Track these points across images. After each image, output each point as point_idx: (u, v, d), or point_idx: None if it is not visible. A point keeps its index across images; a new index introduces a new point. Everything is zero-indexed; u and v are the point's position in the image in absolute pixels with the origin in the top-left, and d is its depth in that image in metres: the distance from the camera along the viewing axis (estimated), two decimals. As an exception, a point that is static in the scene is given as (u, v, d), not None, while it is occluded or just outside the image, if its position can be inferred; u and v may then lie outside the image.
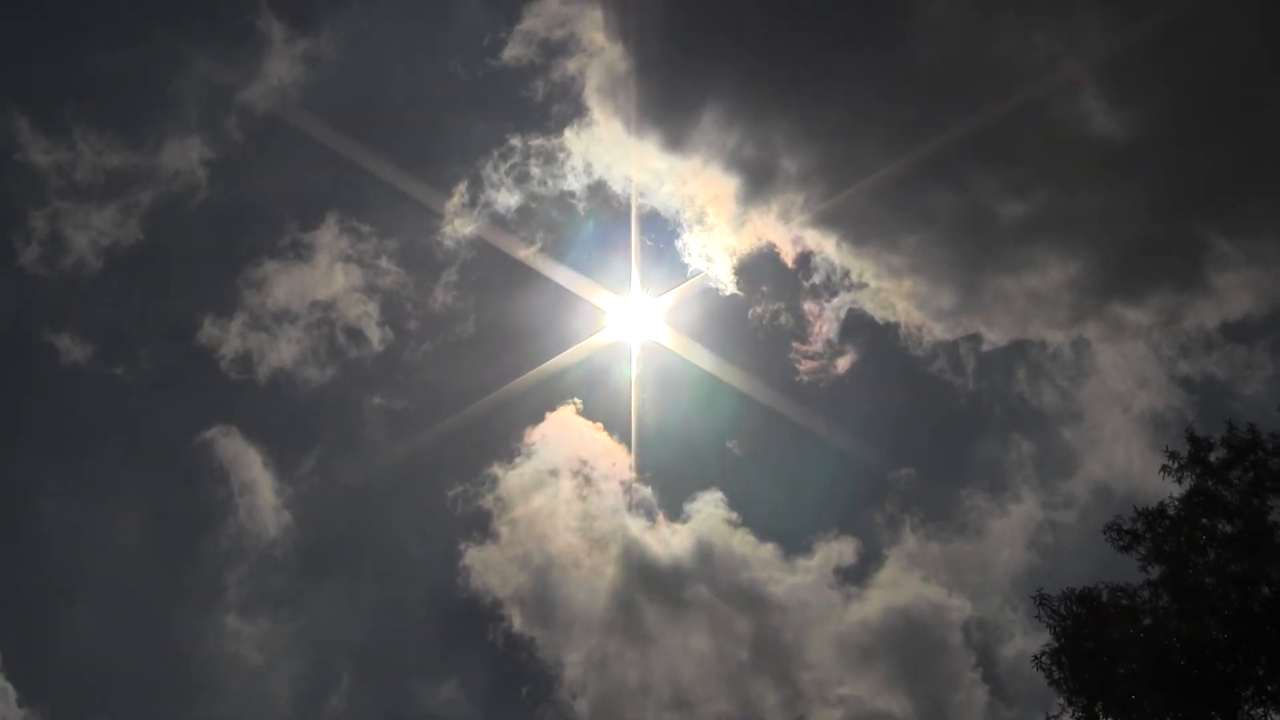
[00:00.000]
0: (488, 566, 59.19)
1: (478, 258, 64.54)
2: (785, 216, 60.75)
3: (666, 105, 61.92)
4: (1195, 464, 32.58)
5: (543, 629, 58.30)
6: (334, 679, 59.92)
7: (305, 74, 65.25)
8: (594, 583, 58.61)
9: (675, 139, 61.50)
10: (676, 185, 62.12)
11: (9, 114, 62.49)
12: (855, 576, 58.01)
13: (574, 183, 63.11)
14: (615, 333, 63.77)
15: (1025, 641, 51.92)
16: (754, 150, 61.05)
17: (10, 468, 62.58)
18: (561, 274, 63.30)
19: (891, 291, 60.76)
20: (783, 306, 62.82)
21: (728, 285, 61.91)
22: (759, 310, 62.81)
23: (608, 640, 57.65)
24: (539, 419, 61.45)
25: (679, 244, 62.37)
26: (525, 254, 63.63)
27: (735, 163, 60.97)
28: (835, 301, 62.18)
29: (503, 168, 63.50)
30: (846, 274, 61.29)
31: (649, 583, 58.37)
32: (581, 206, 63.47)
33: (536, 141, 63.60)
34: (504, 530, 59.87)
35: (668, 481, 60.69)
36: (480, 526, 60.04)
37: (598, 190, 63.11)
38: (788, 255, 61.90)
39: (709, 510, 58.73)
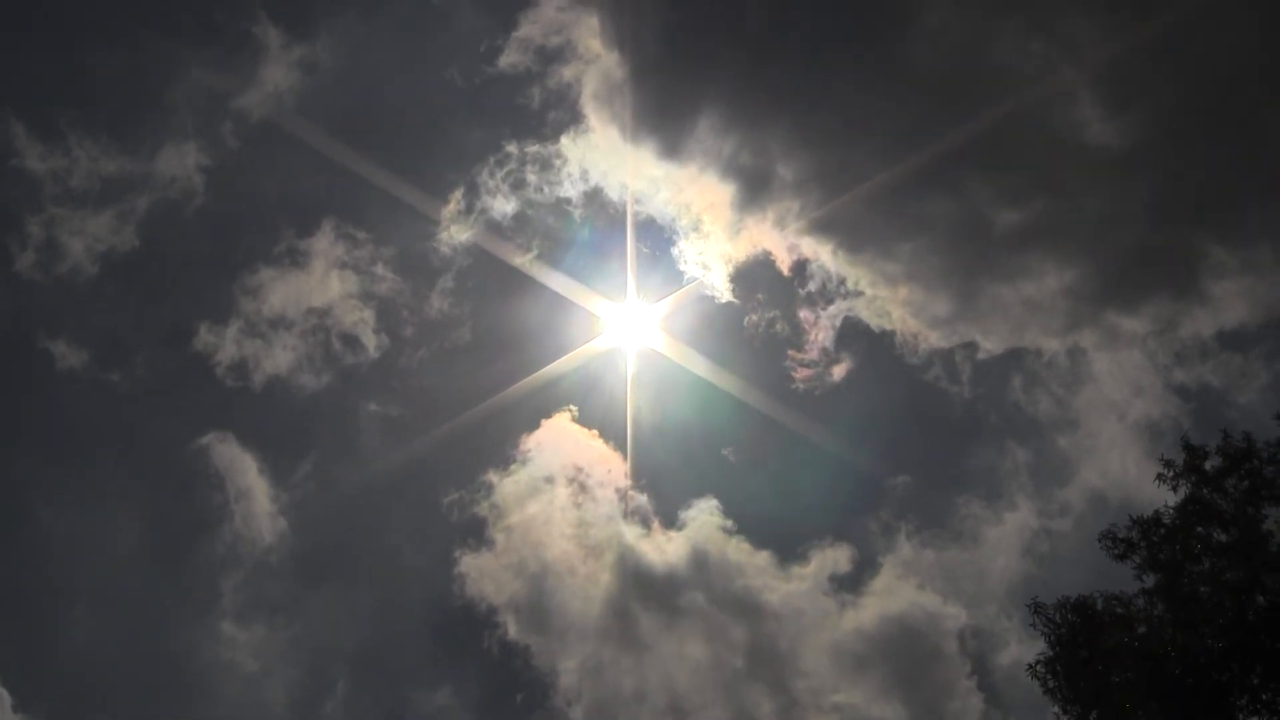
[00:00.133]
0: (483, 573, 59.24)
1: (474, 264, 64.66)
2: (781, 224, 60.87)
3: (663, 112, 62.06)
4: (1190, 472, 32.52)
5: (538, 636, 58.36)
6: (329, 685, 60.00)
7: (301, 80, 65.38)
8: (589, 590, 58.64)
9: (671, 146, 61.64)
10: (672, 192, 62.24)
11: (5, 120, 62.50)
12: (850, 584, 58.08)
13: (570, 190, 63.22)
14: (611, 340, 63.87)
15: (1020, 650, 51.88)
16: (750, 157, 61.17)
17: (6, 473, 62.75)
18: (557, 281, 63.40)
19: (887, 299, 60.85)
20: (778, 314, 62.95)
21: (723, 293, 62.03)
22: (754, 318, 62.93)
23: (603, 647, 57.70)
24: (534, 426, 61.54)
25: (675, 251, 62.49)
26: (521, 261, 63.71)
27: (731, 170, 61.11)
28: (831, 309, 62.30)
29: (499, 174, 63.61)
30: (842, 282, 61.41)
31: (644, 590, 58.40)
32: (577, 213, 63.57)
33: (533, 148, 63.75)
34: (499, 537, 59.91)
35: (663, 489, 60.84)
36: (475, 533, 60.11)
37: (594, 197, 63.21)
38: (783, 263, 62.03)
39: (704, 518, 58.81)
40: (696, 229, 61.98)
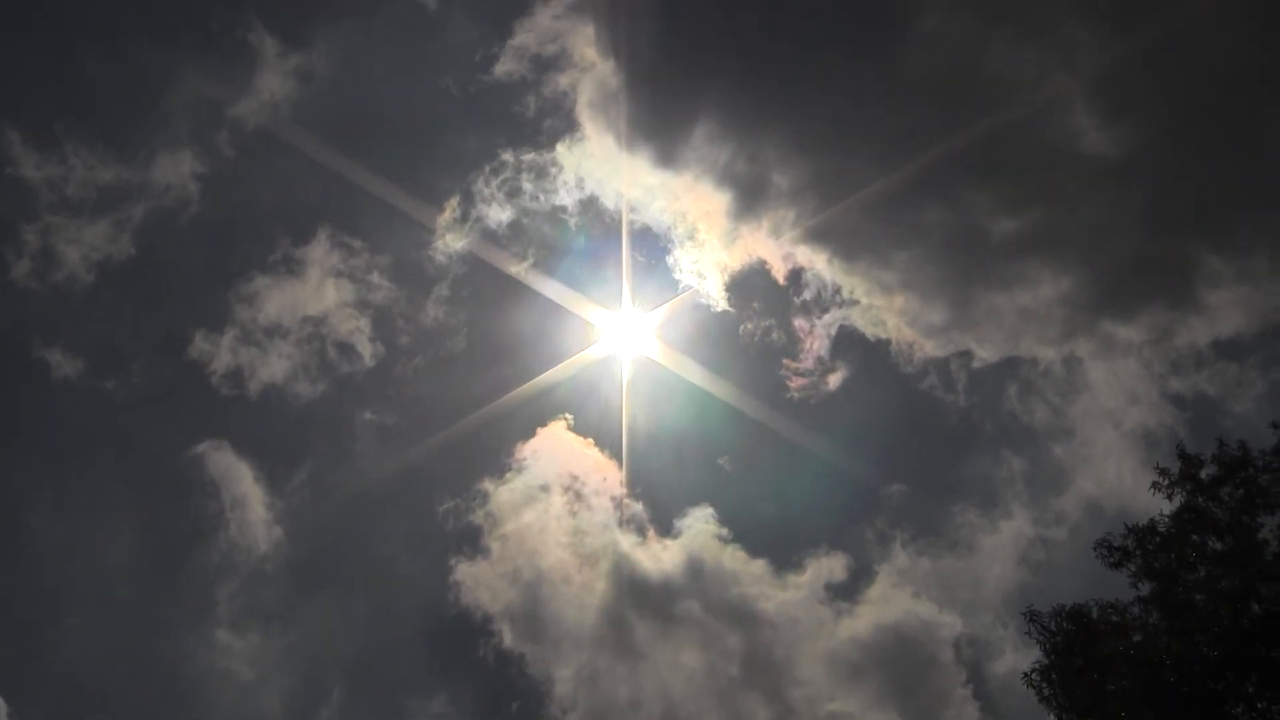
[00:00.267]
0: (478, 582, 59.17)
1: (469, 273, 64.67)
2: (776, 232, 60.90)
3: (658, 121, 62.11)
4: (1186, 481, 32.62)
5: (533, 644, 58.28)
6: (324, 694, 59.84)
7: (297, 89, 65.39)
8: (584, 598, 58.60)
9: (667, 154, 61.69)
10: (668, 201, 62.26)
11: (1, 128, 62.53)
12: (846, 593, 58.05)
13: (565, 198, 63.21)
14: (606, 348, 63.87)
15: (1016, 658, 51.84)
16: (745, 166, 61.22)
17: (2, 481, 62.64)
18: (553, 289, 63.37)
19: (883, 308, 60.86)
20: (774, 323, 62.98)
21: (719, 301, 62.03)
22: (750, 326, 62.93)
23: (598, 656, 57.61)
24: (530, 434, 61.49)
25: (670, 260, 62.53)
26: (517, 269, 63.72)
27: (727, 178, 61.15)
28: (826, 318, 62.29)
29: (494, 183, 63.59)
30: (838, 290, 61.43)
31: (640, 599, 58.37)
32: (573, 222, 63.54)
33: (528, 156, 63.74)
34: (495, 546, 59.84)
35: (658, 497, 60.72)
36: (471, 542, 60.01)
37: (589, 205, 63.21)
38: (779, 271, 62.06)
39: (700, 526, 58.77)
40: (692, 237, 62.10)
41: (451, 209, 63.73)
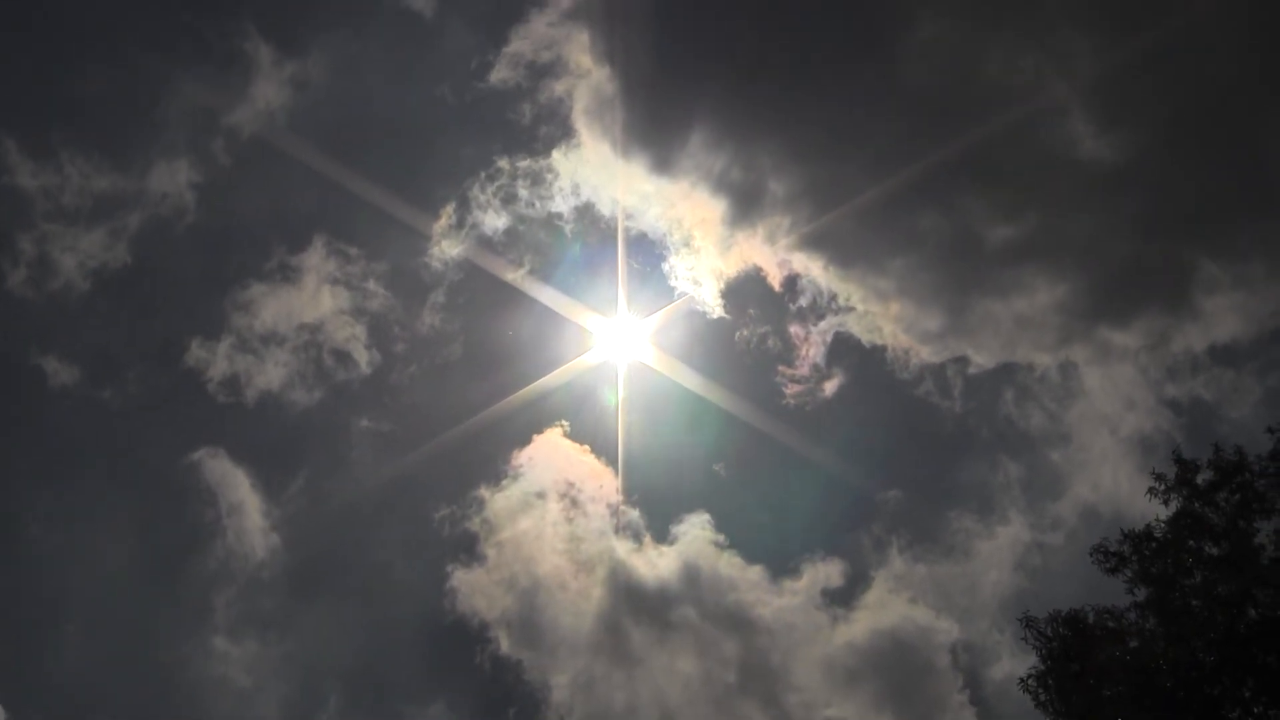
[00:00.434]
0: (475, 589, 59.13)
1: (465, 279, 64.55)
2: (772, 239, 60.84)
3: (654, 127, 62.04)
4: (1182, 486, 32.62)
5: (530, 651, 58.24)
6: (321, 701, 59.75)
7: (293, 96, 65.28)
8: (581, 605, 58.55)
9: (663, 161, 61.65)
10: (664, 208, 62.17)
11: (-4, 136, 62.49)
12: (842, 598, 57.99)
13: (561, 204, 63.10)
14: (602, 354, 63.87)
15: (1012, 664, 51.99)
16: (741, 173, 61.17)
17: (-2, 490, 62.56)
18: (548, 295, 63.31)
19: (878, 314, 60.80)
20: (769, 329, 62.88)
21: (715, 308, 61.90)
22: (746, 333, 62.85)
23: (595, 662, 57.58)
24: (526, 441, 61.40)
25: (666, 266, 62.39)
26: (512, 276, 63.61)
27: (722, 185, 61.06)
28: (822, 324, 62.22)
29: (490, 190, 63.49)
30: (834, 297, 61.39)
31: (636, 605, 58.35)
32: (569, 228, 63.43)
33: (524, 163, 63.62)
34: (491, 552, 59.79)
35: (655, 504, 60.62)
36: (467, 549, 59.96)
37: (585, 212, 63.13)
38: (774, 278, 62.01)
39: (696, 532, 58.71)
40: (688, 244, 62.03)
41: (447, 216, 63.74)
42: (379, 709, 60.30)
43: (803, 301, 62.25)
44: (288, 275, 63.76)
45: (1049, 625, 32.18)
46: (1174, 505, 32.54)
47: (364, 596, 63.34)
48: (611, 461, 61.08)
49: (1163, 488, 32.75)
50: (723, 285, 61.92)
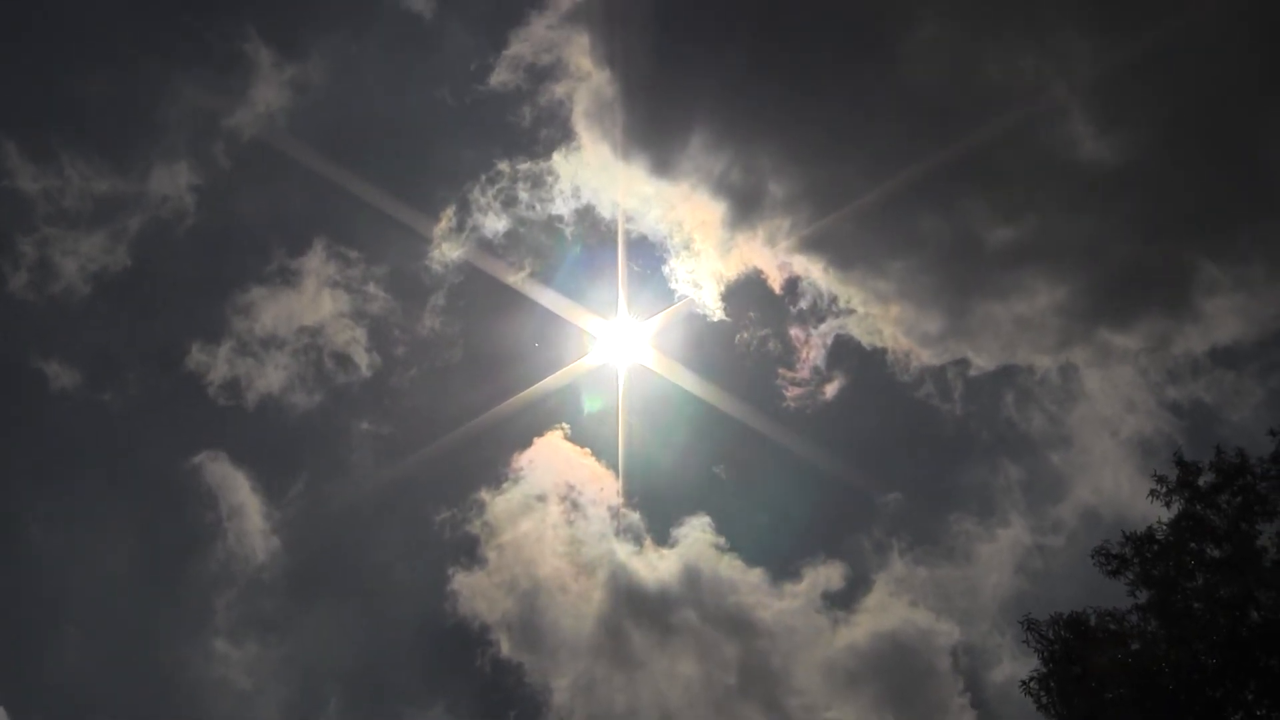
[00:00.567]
0: (475, 591, 59.10)
1: (465, 282, 64.53)
2: (772, 242, 60.84)
3: (654, 130, 62.05)
4: (1184, 488, 32.59)
5: (530, 654, 58.20)
6: (322, 704, 59.70)
7: (293, 99, 65.29)
8: (582, 608, 58.54)
9: (663, 164, 61.66)
10: (664, 210, 62.21)
11: (-3, 140, 62.49)
12: (843, 601, 57.95)
13: (562, 207, 63.14)
14: (602, 357, 63.86)
15: (1014, 667, 51.81)
16: (741, 175, 61.18)
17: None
18: (549, 298, 63.33)
19: (879, 317, 60.78)
20: (770, 332, 62.90)
21: (715, 310, 61.91)
22: (746, 335, 62.86)
23: (595, 665, 57.56)
24: (527, 444, 61.41)
25: (666, 269, 62.43)
26: (513, 278, 63.60)
27: (722, 188, 61.09)
28: (822, 327, 62.23)
29: (490, 192, 63.54)
30: (834, 300, 61.37)
31: (637, 608, 58.32)
32: (569, 231, 63.44)
33: (524, 166, 63.68)
34: (492, 555, 59.76)
35: (655, 506, 60.62)
36: (468, 551, 59.94)
37: (585, 215, 63.15)
38: (775, 281, 62.01)
39: (696, 535, 58.71)
40: (688, 246, 62.04)
41: (448, 219, 63.76)
42: (379, 712, 60.36)
43: (803, 304, 62.34)
44: (288, 278, 63.81)
45: (1050, 628, 32.14)
46: (1175, 508, 32.52)
47: (364, 599, 63.36)
48: (612, 464, 61.15)
49: (1164, 490, 32.72)
50: (723, 288, 62.00)
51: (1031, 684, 32.07)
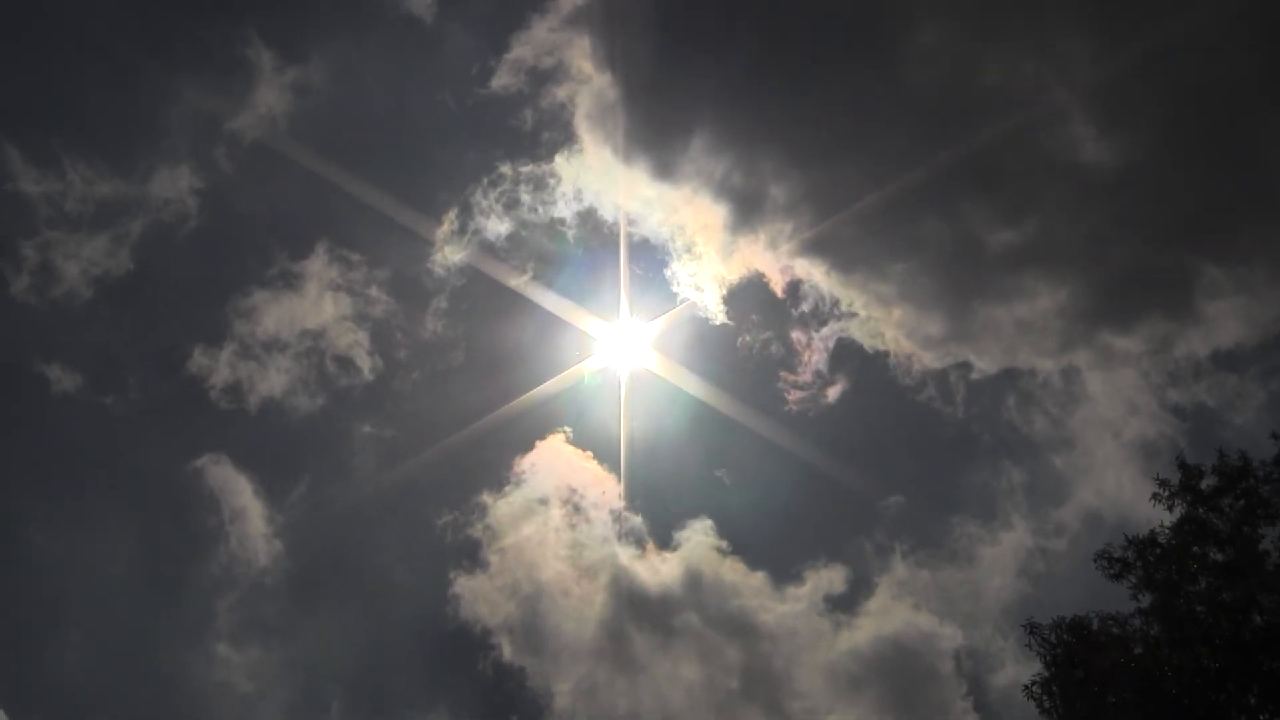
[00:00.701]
0: (477, 595, 59.11)
1: (467, 285, 64.63)
2: (774, 245, 60.91)
3: (656, 133, 62.15)
4: (1186, 492, 32.58)
5: (533, 658, 58.18)
6: (323, 707, 59.72)
7: (295, 103, 65.40)
8: (584, 611, 58.52)
9: (665, 167, 61.73)
10: (666, 213, 62.30)
11: (-1, 143, 62.55)
12: (845, 604, 57.94)
13: (564, 210, 63.22)
14: (604, 360, 63.87)
15: (1016, 670, 51.63)
16: (743, 178, 61.27)
17: (1, 496, 62.53)
18: (551, 301, 63.37)
19: (881, 320, 60.83)
20: (772, 335, 62.95)
21: (717, 314, 61.96)
22: (748, 339, 62.90)
23: (597, 669, 57.54)
24: (529, 447, 61.42)
25: (668, 272, 62.53)
26: (515, 281, 63.70)
27: (724, 191, 61.20)
28: (824, 330, 62.30)
29: (492, 195, 63.65)
30: (836, 303, 61.44)
31: (639, 611, 58.31)
32: (571, 234, 63.51)
33: (526, 169, 63.80)
34: (494, 559, 59.77)
35: (657, 510, 60.61)
36: (470, 555, 59.95)
37: (587, 218, 63.21)
38: (776, 284, 62.05)
39: (698, 538, 58.69)
40: (690, 250, 62.10)
41: (450, 222, 63.86)
42: (381, 715, 60.32)
43: (805, 307, 62.39)
44: (290, 281, 63.90)
45: (1053, 631, 32.12)
46: (1178, 511, 32.51)
47: (366, 602, 63.33)
48: (614, 468, 61.16)
49: (1166, 493, 32.73)
50: (725, 291, 62.04)
51: (1034, 688, 32.01)
